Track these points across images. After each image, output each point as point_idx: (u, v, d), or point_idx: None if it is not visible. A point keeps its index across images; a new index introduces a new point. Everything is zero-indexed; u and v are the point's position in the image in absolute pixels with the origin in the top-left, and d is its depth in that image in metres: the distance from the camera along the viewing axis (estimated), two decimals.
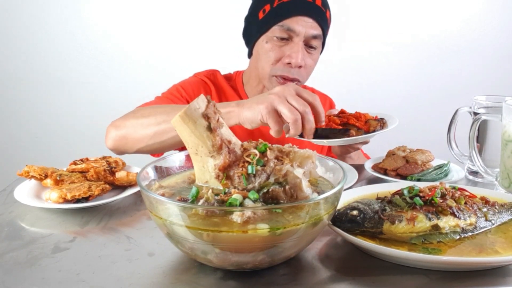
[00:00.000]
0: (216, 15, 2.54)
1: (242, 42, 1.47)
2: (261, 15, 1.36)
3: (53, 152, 2.52)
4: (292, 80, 1.35)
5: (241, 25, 1.46)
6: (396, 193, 0.81)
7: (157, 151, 1.22)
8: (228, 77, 1.57)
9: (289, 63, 1.33)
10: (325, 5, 1.38)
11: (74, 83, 2.55)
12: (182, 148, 1.28)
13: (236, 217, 0.61)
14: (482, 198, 0.84)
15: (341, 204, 0.78)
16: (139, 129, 1.16)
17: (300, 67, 1.34)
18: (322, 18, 1.35)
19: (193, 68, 1.60)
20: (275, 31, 1.33)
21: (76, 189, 0.94)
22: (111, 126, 1.23)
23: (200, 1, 2.54)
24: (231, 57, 1.90)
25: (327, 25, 1.40)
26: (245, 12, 1.44)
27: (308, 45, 1.35)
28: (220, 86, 1.51)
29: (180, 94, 1.41)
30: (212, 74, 1.53)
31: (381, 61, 2.70)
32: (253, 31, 1.40)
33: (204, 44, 2.55)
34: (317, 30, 1.34)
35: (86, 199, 0.94)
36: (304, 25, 1.32)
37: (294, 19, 1.31)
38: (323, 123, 1.07)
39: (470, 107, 1.17)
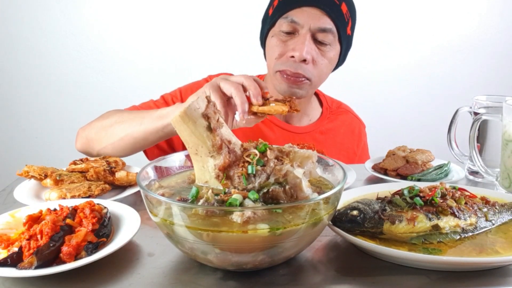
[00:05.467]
0: (226, 14, 2.52)
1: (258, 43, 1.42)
2: (270, 11, 1.32)
3: (53, 152, 2.51)
4: (296, 75, 1.25)
5: (255, 23, 1.40)
6: (396, 193, 0.81)
7: (114, 154, 1.18)
8: None
9: (293, 57, 1.24)
10: None
11: (74, 83, 2.55)
12: (150, 150, 1.32)
13: (236, 217, 0.61)
14: (483, 198, 0.84)
15: (341, 204, 0.78)
16: (98, 132, 1.23)
17: (304, 60, 1.24)
18: (334, 10, 1.25)
19: (194, 68, 1.58)
20: (281, 24, 1.26)
21: (76, 189, 0.94)
22: (80, 128, 1.30)
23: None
24: (243, 59, 1.87)
25: (343, 19, 1.28)
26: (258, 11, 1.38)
27: (317, 40, 1.26)
28: None
29: (171, 100, 1.37)
30: None
31: (381, 60, 2.70)
32: (264, 29, 1.35)
33: (204, 44, 2.55)
34: (326, 23, 1.24)
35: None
36: (309, 17, 1.23)
37: (299, 10, 1.24)
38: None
39: (471, 107, 1.17)
